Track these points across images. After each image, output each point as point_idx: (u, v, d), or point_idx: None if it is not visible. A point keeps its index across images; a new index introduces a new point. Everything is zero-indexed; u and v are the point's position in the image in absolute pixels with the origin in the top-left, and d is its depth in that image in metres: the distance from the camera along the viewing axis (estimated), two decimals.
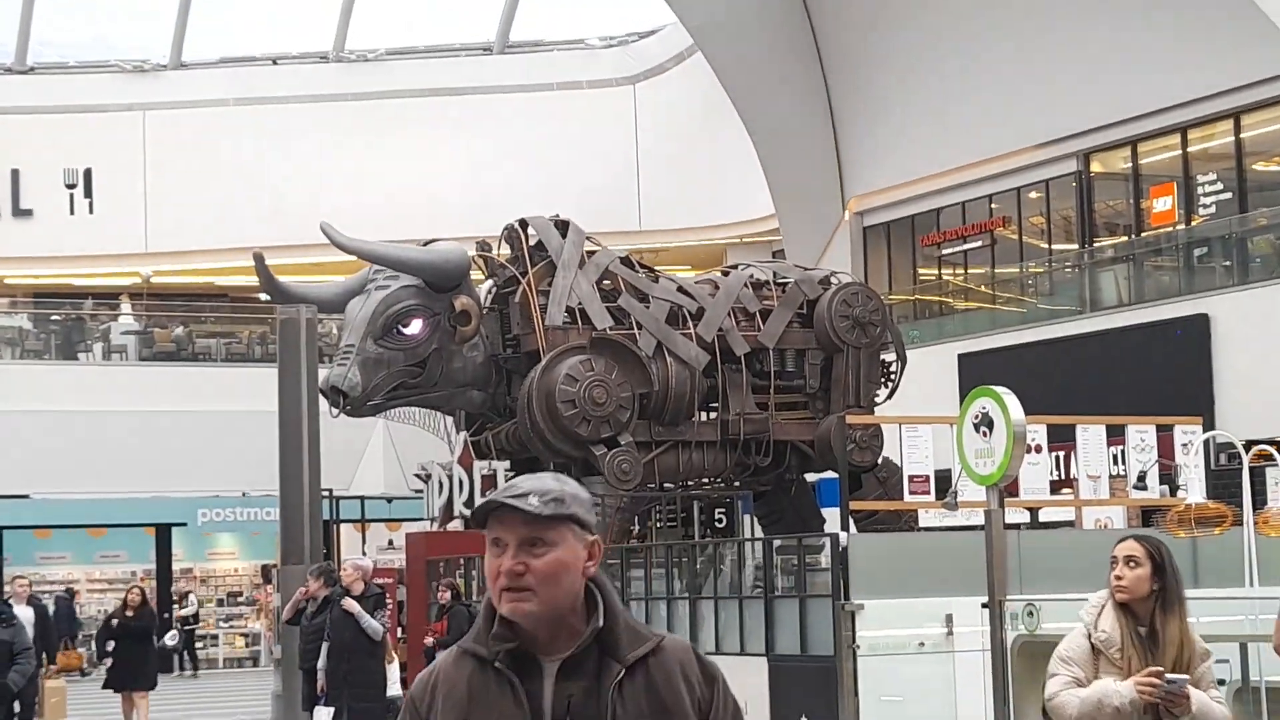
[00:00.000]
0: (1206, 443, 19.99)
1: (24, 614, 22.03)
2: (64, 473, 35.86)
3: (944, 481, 16.80)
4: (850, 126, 37.90)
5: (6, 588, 26.26)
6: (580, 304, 24.19)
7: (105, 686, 24.07)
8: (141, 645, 23.59)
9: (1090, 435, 18.79)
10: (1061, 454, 21.88)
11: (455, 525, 23.21)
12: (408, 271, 23.59)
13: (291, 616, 18.65)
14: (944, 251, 37.29)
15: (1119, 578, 7.60)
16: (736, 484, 25.72)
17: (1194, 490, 14.93)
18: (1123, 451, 19.26)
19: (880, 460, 24.81)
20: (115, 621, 23.67)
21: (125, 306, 42.99)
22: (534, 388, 23.41)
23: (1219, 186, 31.27)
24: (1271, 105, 30.14)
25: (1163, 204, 32.34)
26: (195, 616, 31.37)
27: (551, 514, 4.14)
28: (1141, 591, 7.55)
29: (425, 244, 24.39)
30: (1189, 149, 31.79)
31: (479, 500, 22.71)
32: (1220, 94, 30.33)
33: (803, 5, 37.49)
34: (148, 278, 44.42)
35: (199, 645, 37.11)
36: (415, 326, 23.46)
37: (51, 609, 33.15)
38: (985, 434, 11.37)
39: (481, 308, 24.17)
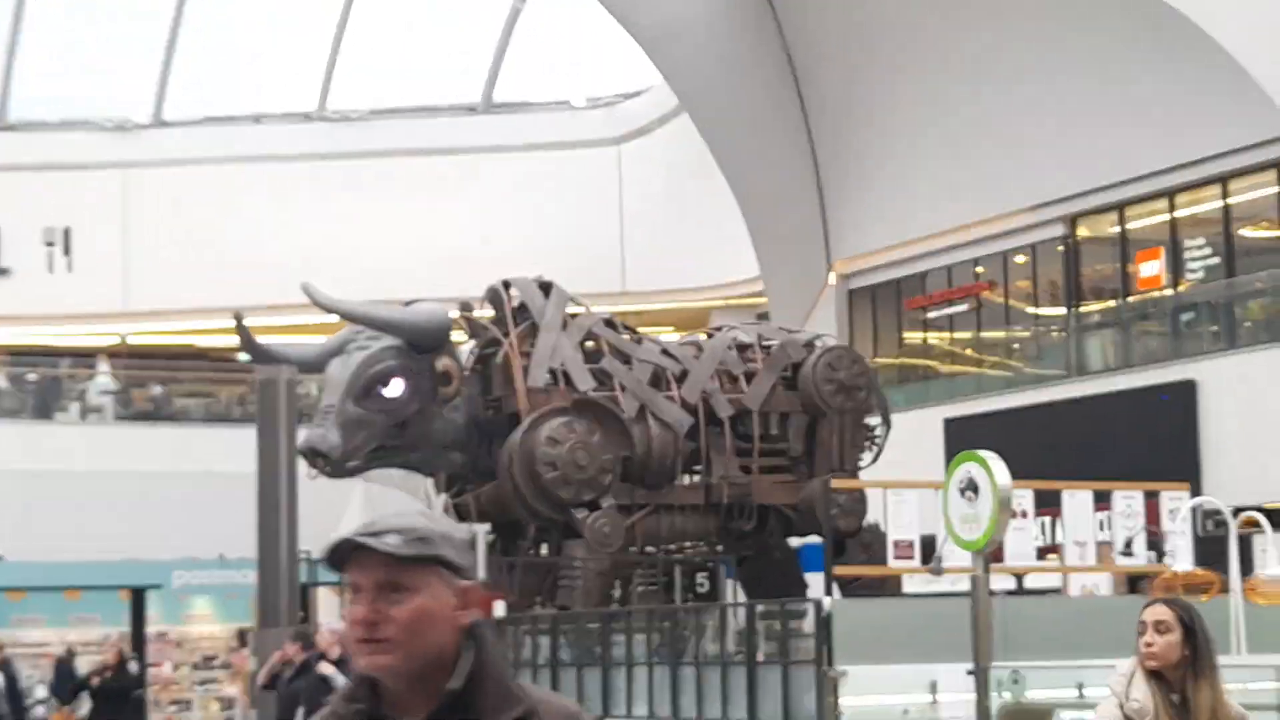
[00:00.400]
0: (1193, 509, 19.80)
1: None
2: (39, 534, 35.60)
3: (929, 547, 16.63)
4: (836, 189, 37.86)
5: None
6: (563, 366, 24.06)
7: None
8: (118, 705, 23.20)
9: (1077, 501, 18.63)
10: (1047, 520, 21.69)
11: None
12: (389, 332, 23.43)
13: (267, 681, 18.41)
14: (930, 315, 37.22)
15: (1149, 644, 7.29)
16: (719, 548, 25.52)
17: (1181, 557, 14.77)
18: (1109, 518, 19.10)
19: (864, 525, 24.63)
20: (96, 680, 23.29)
21: (103, 366, 42.77)
22: (515, 450, 23.24)
23: (1207, 251, 31.24)
24: (1259, 171, 30.12)
25: (1150, 269, 32.29)
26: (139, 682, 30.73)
27: (414, 555, 3.61)
28: (1172, 658, 7.25)
29: (407, 304, 24.25)
30: (1176, 214, 31.76)
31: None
32: (1208, 159, 30.31)
33: (789, 67, 37.50)
34: (125, 338, 44.17)
35: (173, 707, 36.71)
36: (396, 387, 23.29)
37: (51, 673, 32.76)
38: (971, 499, 11.22)
39: (463, 369, 24.02)
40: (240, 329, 23.93)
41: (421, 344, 23.39)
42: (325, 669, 17.39)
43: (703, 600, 24.59)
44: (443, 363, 23.40)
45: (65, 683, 33.16)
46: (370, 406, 23.18)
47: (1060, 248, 33.95)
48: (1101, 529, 19.47)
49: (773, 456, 25.16)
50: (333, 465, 23.13)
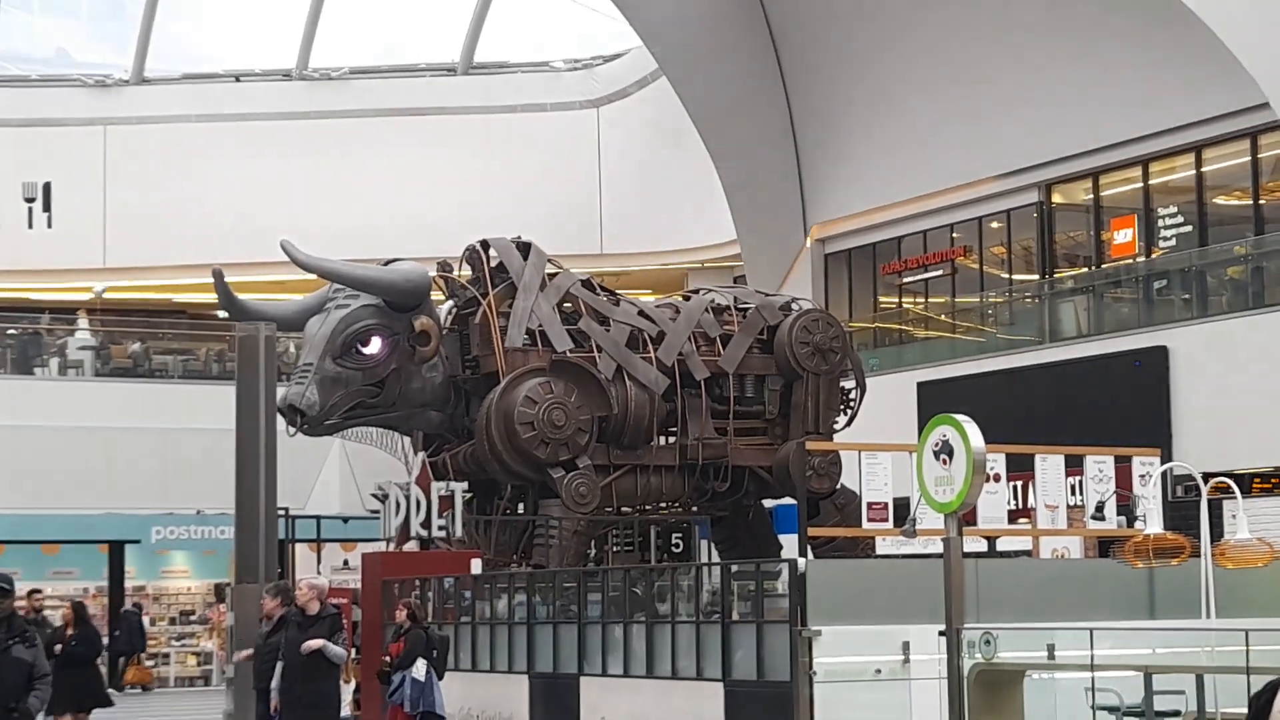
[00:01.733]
0: (1164, 474, 20.00)
1: None
2: (18, 488, 35.61)
3: (902, 509, 16.79)
4: (813, 153, 37.94)
5: None
6: (540, 326, 24.18)
7: (48, 713, 22.84)
8: (85, 665, 22.48)
9: (1049, 465, 18.80)
10: (1020, 483, 21.87)
11: (411, 546, 23.11)
12: (368, 290, 23.54)
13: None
14: (905, 280, 37.33)
15: None
16: (694, 509, 25.69)
17: (1152, 521, 14.93)
18: (1081, 482, 19.28)
19: (838, 487, 24.81)
20: (60, 648, 22.32)
21: (82, 322, 42.73)
22: (493, 409, 23.37)
23: (1179, 220, 31.37)
24: (1232, 140, 30.25)
25: (1123, 236, 32.42)
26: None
27: None
28: None
29: (386, 263, 24.35)
30: (1150, 182, 31.89)
31: (436, 521, 22.64)
32: (1182, 127, 30.44)
33: (768, 31, 37.52)
34: (100, 294, 44.01)
35: (150, 660, 36.81)
36: (374, 346, 23.42)
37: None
38: (945, 462, 11.34)
39: (441, 328, 24.14)
40: (220, 286, 24.02)
41: (400, 303, 23.51)
42: (311, 645, 17.23)
43: (678, 560, 24.78)
44: (421, 322, 23.52)
45: (136, 638, 32.91)
46: (349, 364, 23.32)
47: (1035, 214, 34.07)
48: (1073, 493, 19.67)
49: (748, 418, 25.33)
50: (311, 422, 23.25)
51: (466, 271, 24.96)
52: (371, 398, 23.59)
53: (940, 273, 36.34)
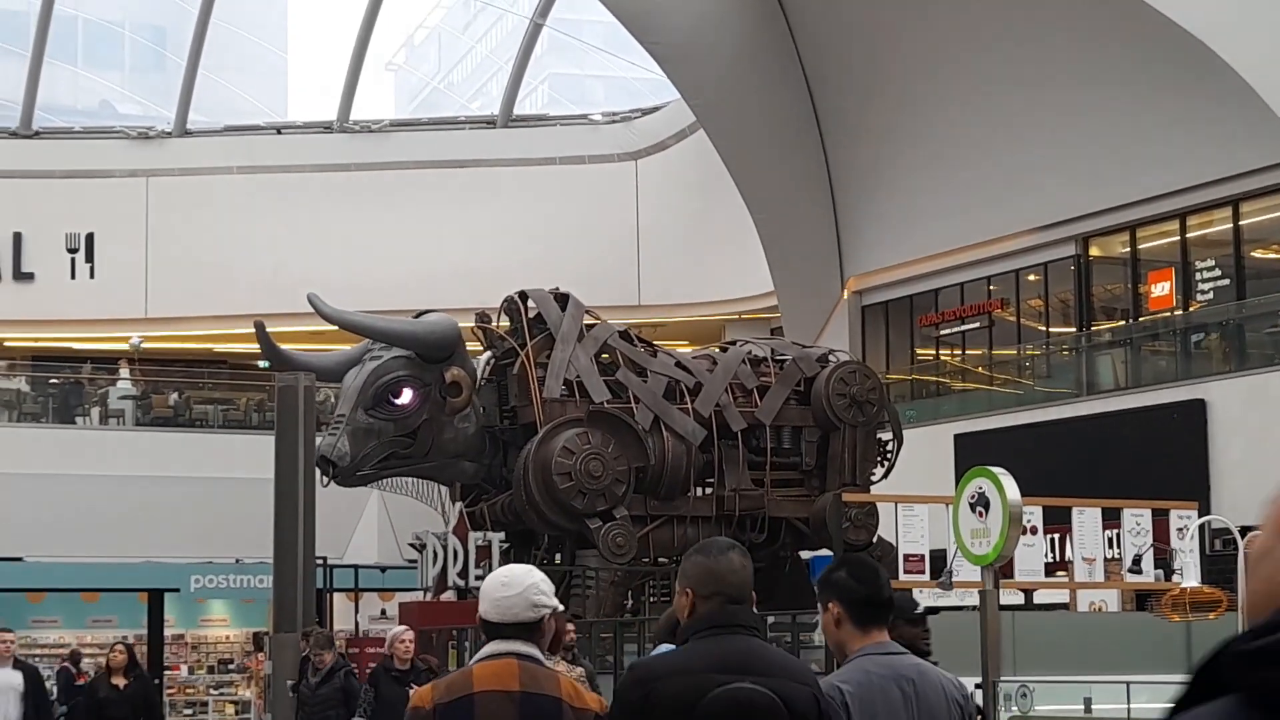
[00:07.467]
0: (1202, 527, 19.97)
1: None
2: (58, 536, 35.73)
3: (939, 561, 16.80)
4: (850, 206, 38.01)
5: None
6: (578, 377, 24.24)
7: None
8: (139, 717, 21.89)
9: (1086, 518, 18.78)
10: (1057, 536, 21.84)
11: (449, 596, 23.18)
12: (391, 343, 23.65)
13: (296, 682, 18.39)
14: (942, 332, 37.34)
15: None
16: None
17: (1189, 574, 14.93)
18: (1118, 535, 19.25)
19: (875, 539, 24.79)
20: (103, 695, 21.72)
21: (123, 371, 42.91)
22: (530, 460, 23.43)
23: (1217, 273, 31.34)
24: (1271, 193, 30.23)
25: (1161, 289, 32.40)
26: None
27: None
28: None
29: (419, 315, 24.45)
30: (1188, 235, 31.88)
31: (474, 571, 22.69)
32: (1220, 181, 30.41)
33: (805, 85, 37.64)
34: (138, 346, 44.12)
35: (188, 710, 36.88)
36: (406, 397, 23.49)
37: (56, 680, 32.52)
38: (981, 514, 11.38)
39: (474, 379, 24.19)
40: (261, 336, 24.16)
41: (428, 355, 23.60)
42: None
43: None
44: (452, 373, 23.59)
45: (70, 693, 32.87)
46: (380, 415, 23.39)
47: (1072, 267, 34.07)
48: (1110, 546, 19.64)
49: (785, 470, 25.33)
50: (342, 473, 23.32)
51: (505, 322, 25.05)
52: (404, 448, 23.66)
53: (977, 325, 36.33)
